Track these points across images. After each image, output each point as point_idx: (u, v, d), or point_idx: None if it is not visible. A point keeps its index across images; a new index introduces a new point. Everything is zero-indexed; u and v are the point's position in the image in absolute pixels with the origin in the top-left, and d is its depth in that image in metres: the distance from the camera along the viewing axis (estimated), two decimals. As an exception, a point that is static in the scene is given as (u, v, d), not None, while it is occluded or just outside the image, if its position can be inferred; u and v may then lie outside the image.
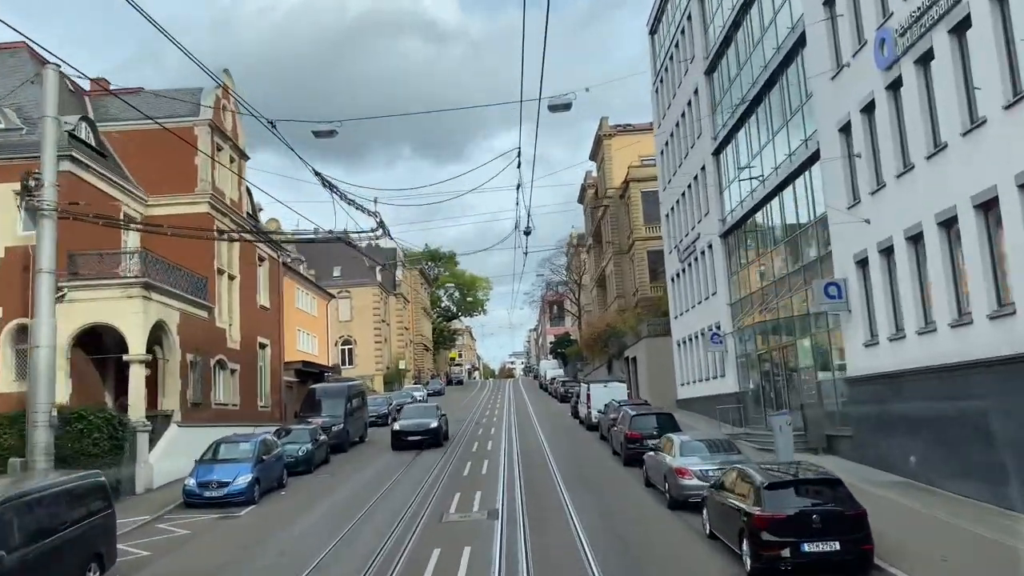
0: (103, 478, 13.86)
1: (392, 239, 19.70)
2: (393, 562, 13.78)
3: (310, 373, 44.66)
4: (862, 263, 20.35)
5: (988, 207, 14.80)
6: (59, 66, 17.92)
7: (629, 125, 66.75)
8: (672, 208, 41.67)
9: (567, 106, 18.06)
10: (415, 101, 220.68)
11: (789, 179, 25.51)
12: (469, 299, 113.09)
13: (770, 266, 28.25)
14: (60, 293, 20.93)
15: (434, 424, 31.44)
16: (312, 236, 26.15)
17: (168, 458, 24.14)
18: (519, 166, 17.97)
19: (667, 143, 42.00)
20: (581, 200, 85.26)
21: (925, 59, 16.75)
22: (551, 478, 22.66)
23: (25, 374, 21.57)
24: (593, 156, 72.08)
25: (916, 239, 17.51)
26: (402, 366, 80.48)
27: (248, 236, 32.27)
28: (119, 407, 24.79)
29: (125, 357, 23.91)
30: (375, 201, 19.07)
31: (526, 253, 23.81)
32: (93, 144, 27.28)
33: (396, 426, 31.89)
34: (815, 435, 23.07)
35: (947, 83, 15.86)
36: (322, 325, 61.73)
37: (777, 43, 25.56)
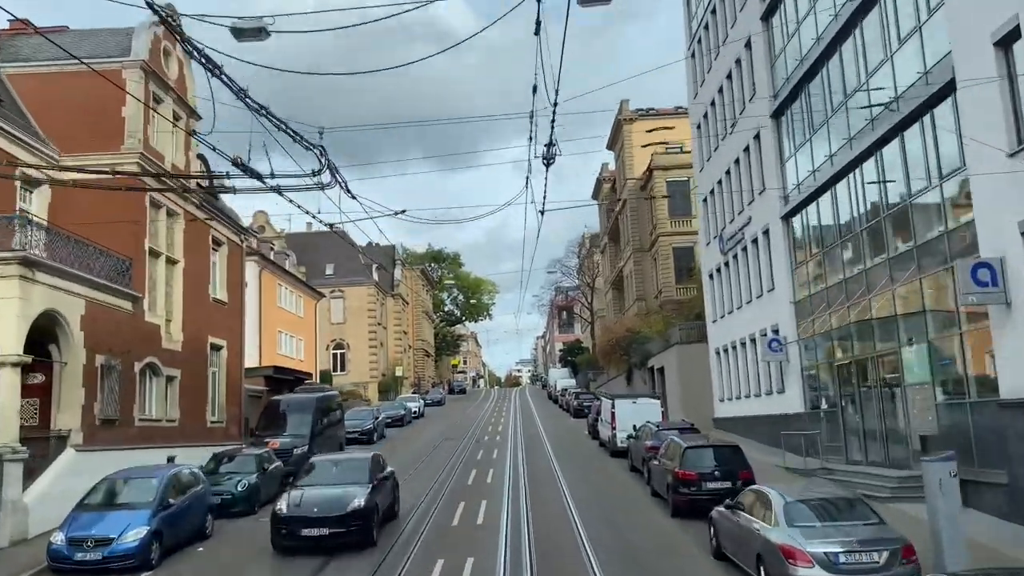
0: None
1: (342, 186, 13.22)
2: None
3: (285, 381, 38.10)
4: (1033, 232, 13.90)
5: None
6: None
7: (652, 109, 60.31)
8: (712, 191, 35.18)
9: None
10: (426, 106, 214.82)
11: (893, 132, 19.00)
12: (473, 301, 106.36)
13: (859, 250, 21.70)
14: None
15: (357, 503, 15.62)
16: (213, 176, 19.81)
17: (59, 497, 17.54)
18: (535, 90, 11.29)
19: (706, 114, 35.53)
20: (596, 196, 78.77)
21: None
22: (574, 538, 16.09)
23: None
24: (611, 145, 65.59)
25: None
26: (399, 373, 73.91)
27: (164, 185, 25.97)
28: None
29: (-6, 358, 17.54)
30: (320, 133, 12.66)
31: (542, 212, 17.18)
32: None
33: (281, 508, 15.79)
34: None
35: None
36: (309, 327, 55.36)
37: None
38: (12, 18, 17.20)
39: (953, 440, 16.51)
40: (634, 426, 27.65)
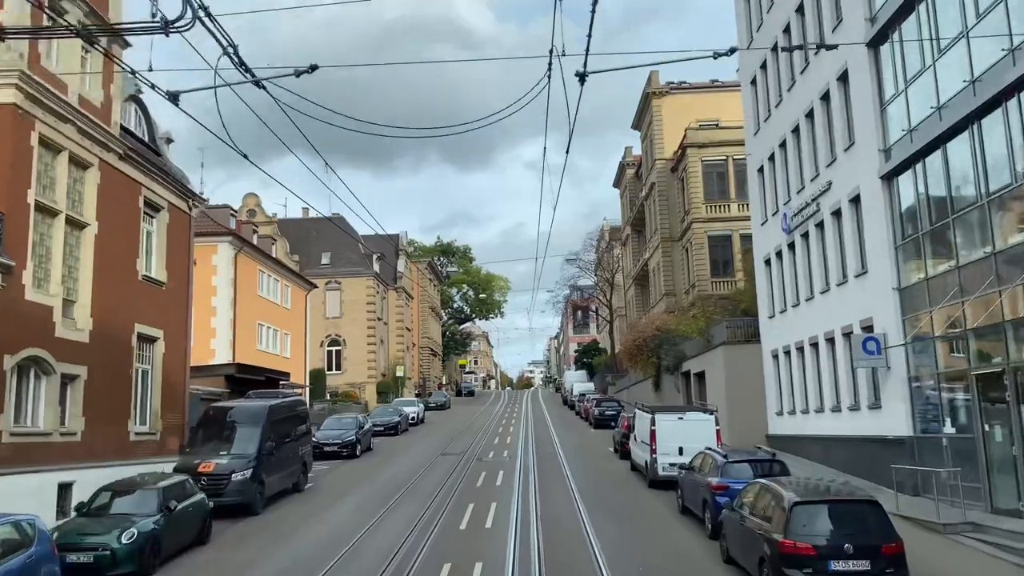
0: None
1: (209, 26, 6.94)
2: None
3: (252, 382, 31.61)
4: None
5: None
6: None
7: (684, 83, 53.74)
8: (771, 157, 28.69)
9: None
10: (445, 107, 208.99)
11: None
12: (483, 296, 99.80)
13: (1011, 214, 15.23)
14: None
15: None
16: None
17: None
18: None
19: (764, 64, 29.05)
20: (617, 184, 72.23)
21: None
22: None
23: None
24: (636, 125, 59.03)
25: None
26: (400, 373, 67.63)
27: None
28: None
29: None
30: None
31: (567, 152, 10.67)
32: None
33: None
34: None
35: None
36: (298, 320, 49.25)
37: None
38: None
39: None
40: (680, 449, 21.36)
